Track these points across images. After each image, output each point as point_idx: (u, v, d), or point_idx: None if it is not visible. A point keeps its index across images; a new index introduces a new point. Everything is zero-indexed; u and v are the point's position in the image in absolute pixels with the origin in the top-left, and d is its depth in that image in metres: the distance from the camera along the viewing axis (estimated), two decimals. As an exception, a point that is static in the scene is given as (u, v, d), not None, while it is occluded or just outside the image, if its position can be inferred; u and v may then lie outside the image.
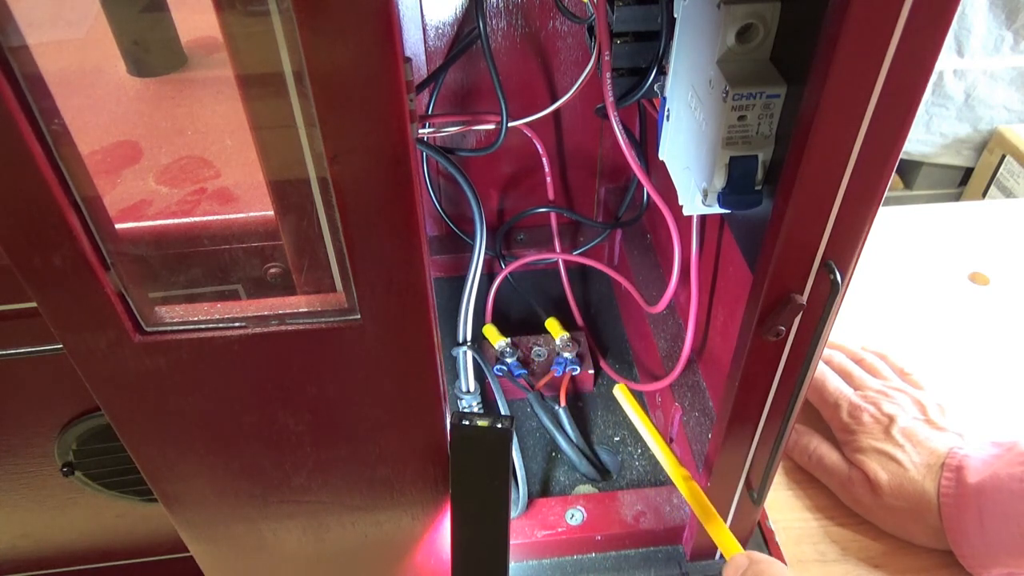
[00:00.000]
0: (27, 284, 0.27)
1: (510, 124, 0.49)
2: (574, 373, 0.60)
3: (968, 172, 1.60)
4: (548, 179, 0.62)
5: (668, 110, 0.40)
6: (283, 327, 0.30)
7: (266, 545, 0.41)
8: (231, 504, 0.38)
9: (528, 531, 0.50)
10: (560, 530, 0.50)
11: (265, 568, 0.43)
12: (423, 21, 0.55)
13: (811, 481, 0.58)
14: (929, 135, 1.54)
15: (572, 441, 0.57)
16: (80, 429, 0.46)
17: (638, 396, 0.61)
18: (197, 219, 0.34)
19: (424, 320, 0.30)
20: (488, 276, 0.69)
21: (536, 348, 0.62)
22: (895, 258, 0.78)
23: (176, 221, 0.33)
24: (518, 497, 0.51)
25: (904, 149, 0.29)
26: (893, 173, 0.29)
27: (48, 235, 0.26)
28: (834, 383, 0.60)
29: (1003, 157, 1.47)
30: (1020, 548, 0.48)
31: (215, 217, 0.33)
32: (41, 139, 0.24)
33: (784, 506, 0.57)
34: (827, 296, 0.33)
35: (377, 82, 0.23)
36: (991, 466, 0.50)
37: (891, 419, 0.55)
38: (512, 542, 0.48)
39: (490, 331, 0.62)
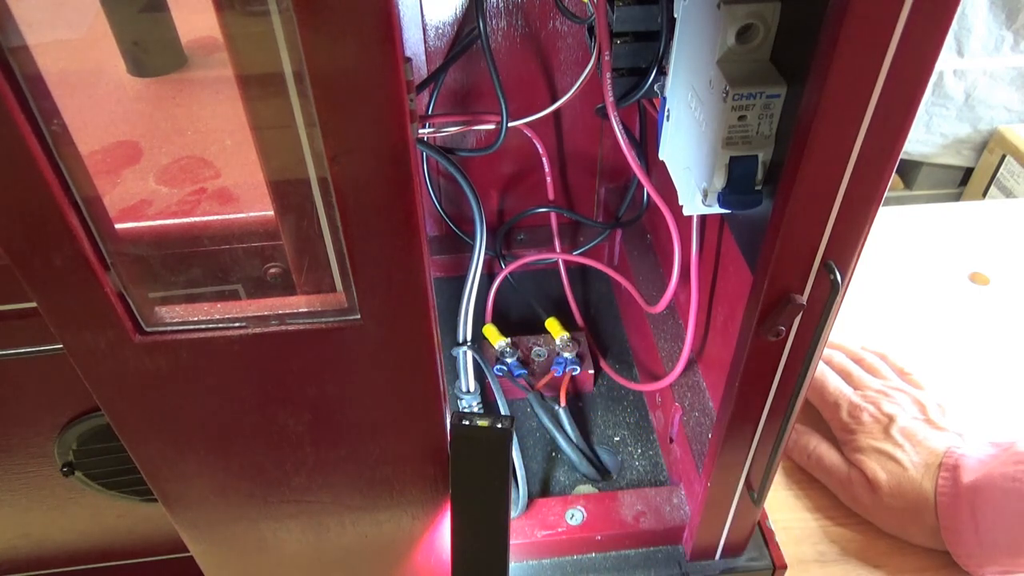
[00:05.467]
0: (27, 284, 0.27)
1: (510, 124, 0.49)
2: (574, 373, 0.60)
3: (968, 172, 1.60)
4: (548, 179, 0.62)
5: (668, 110, 0.40)
6: (283, 327, 0.30)
7: (266, 545, 0.41)
8: (231, 504, 0.38)
9: (528, 531, 0.50)
10: (560, 530, 0.50)
11: (265, 568, 0.43)
12: (423, 21, 0.55)
13: (811, 481, 0.58)
14: (929, 135, 1.54)
15: (572, 441, 0.57)
16: (80, 429, 0.46)
17: (638, 396, 0.61)
18: (197, 219, 0.34)
19: (424, 320, 0.30)
20: (488, 276, 0.69)
21: (536, 348, 0.62)
22: (895, 258, 0.78)
23: (176, 221, 0.33)
24: (518, 497, 0.51)
25: (904, 149, 0.29)
26: (893, 173, 0.29)
27: (48, 235, 0.26)
28: (834, 383, 0.60)
29: (1003, 157, 1.47)
30: (1015, 547, 0.48)
31: (215, 217, 0.33)
32: (41, 139, 0.24)
33: (784, 506, 0.57)
34: (827, 296, 0.33)
35: (377, 82, 0.23)
36: (986, 465, 0.50)
37: (891, 419, 0.55)
38: (512, 542, 0.48)
39: (490, 331, 0.62)
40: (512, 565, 0.49)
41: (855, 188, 0.29)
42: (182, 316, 0.30)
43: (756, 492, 0.44)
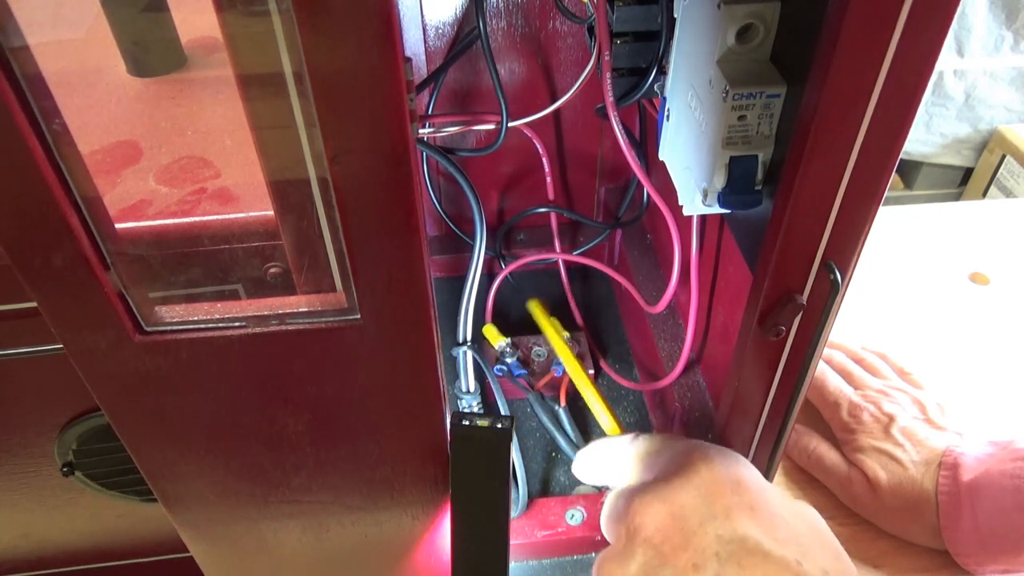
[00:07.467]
0: (27, 284, 0.27)
1: (510, 124, 0.49)
2: (563, 373, 0.60)
3: (968, 172, 1.60)
4: (548, 179, 0.62)
5: (668, 110, 0.40)
6: (283, 327, 0.30)
7: (266, 545, 0.41)
8: (231, 504, 0.38)
9: (528, 531, 0.50)
10: (560, 530, 0.50)
11: (265, 568, 0.43)
12: (423, 21, 0.55)
13: (811, 481, 0.58)
14: (929, 135, 1.54)
15: (572, 441, 0.57)
16: (80, 429, 0.46)
17: (638, 396, 0.61)
18: (197, 219, 0.34)
19: (424, 320, 0.30)
20: (488, 276, 0.69)
21: (536, 348, 0.62)
22: (895, 258, 0.78)
23: (176, 221, 0.33)
24: (518, 497, 0.51)
25: (904, 149, 0.29)
26: (893, 173, 0.29)
27: (48, 235, 0.26)
28: (834, 382, 0.60)
29: (1003, 157, 1.47)
30: (1014, 545, 0.48)
31: (215, 217, 0.33)
32: (41, 139, 0.24)
33: (784, 506, 0.57)
34: (827, 296, 0.33)
35: (377, 82, 0.23)
36: (985, 463, 0.50)
37: (891, 418, 0.55)
38: (512, 542, 0.48)
39: (490, 331, 0.62)
40: (512, 565, 0.49)
41: (855, 188, 0.29)
42: (182, 316, 0.30)
43: (756, 492, 0.44)
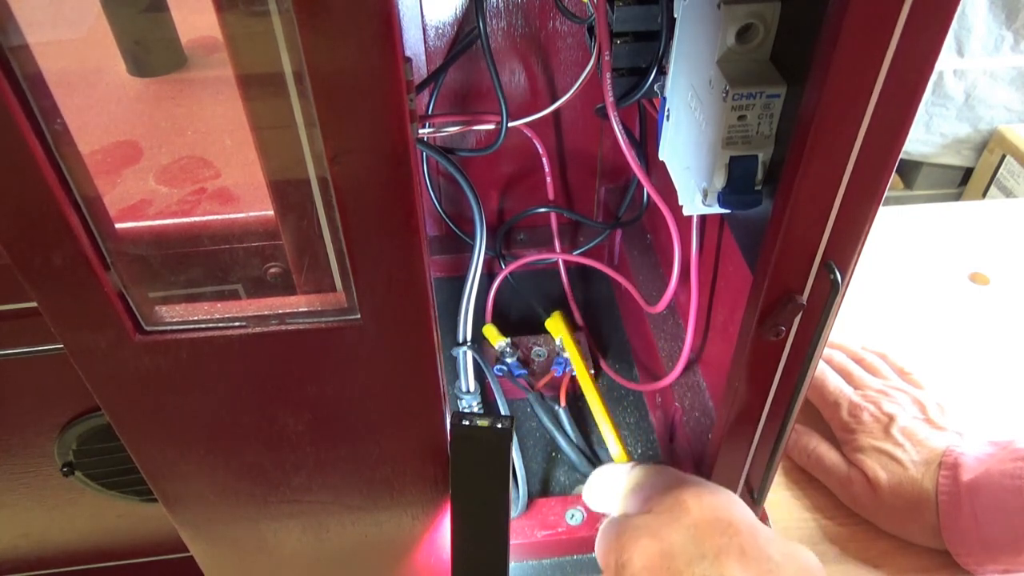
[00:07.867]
0: (27, 284, 0.27)
1: (510, 124, 0.49)
2: (574, 373, 0.60)
3: (968, 172, 1.60)
4: (548, 179, 0.62)
5: (668, 110, 0.40)
6: (283, 327, 0.30)
7: (266, 545, 0.41)
8: (231, 504, 0.38)
9: (528, 531, 0.50)
10: (560, 530, 0.50)
11: (265, 568, 0.43)
12: (423, 21, 0.55)
13: (811, 481, 0.58)
14: (929, 135, 1.54)
15: (572, 441, 0.57)
16: (80, 429, 0.46)
17: (638, 396, 0.61)
18: (197, 219, 0.34)
19: (424, 320, 0.30)
20: (488, 276, 0.69)
21: (536, 348, 0.62)
22: (895, 258, 0.78)
23: (176, 221, 0.33)
24: (518, 497, 0.51)
25: (904, 149, 0.29)
26: (893, 173, 0.29)
27: (48, 235, 0.26)
28: (834, 382, 0.60)
29: (1003, 157, 1.48)
30: (1014, 545, 0.48)
31: (215, 217, 0.33)
32: (41, 139, 0.24)
33: (784, 506, 0.57)
34: (827, 296, 0.33)
35: (377, 82, 0.23)
36: (985, 463, 0.50)
37: (891, 418, 0.55)
38: (512, 542, 0.48)
39: (490, 331, 0.62)
40: (512, 565, 0.49)
41: (855, 188, 0.29)
42: (182, 316, 0.30)
43: (756, 492, 0.44)
